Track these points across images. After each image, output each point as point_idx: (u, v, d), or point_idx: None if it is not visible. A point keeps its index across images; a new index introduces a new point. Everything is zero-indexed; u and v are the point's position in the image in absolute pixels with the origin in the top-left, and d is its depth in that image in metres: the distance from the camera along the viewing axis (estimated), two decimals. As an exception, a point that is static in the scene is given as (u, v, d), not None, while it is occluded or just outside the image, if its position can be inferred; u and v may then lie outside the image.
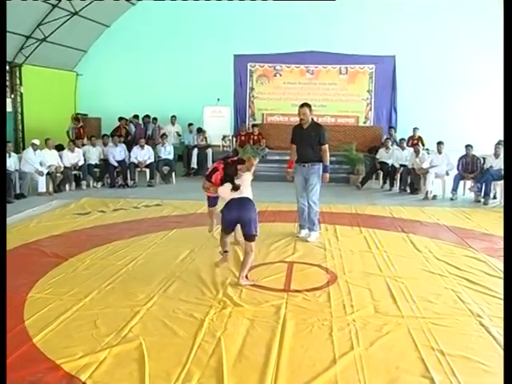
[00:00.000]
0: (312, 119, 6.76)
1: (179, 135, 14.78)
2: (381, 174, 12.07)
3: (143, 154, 12.14)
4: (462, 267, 5.51)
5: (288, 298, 4.51)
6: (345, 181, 12.65)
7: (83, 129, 14.27)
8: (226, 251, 5.18)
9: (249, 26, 15.80)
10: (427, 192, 10.39)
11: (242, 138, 14.29)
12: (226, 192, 5.03)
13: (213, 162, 13.88)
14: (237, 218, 4.91)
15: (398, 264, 5.60)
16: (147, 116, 15.26)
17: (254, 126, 14.81)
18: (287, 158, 7.21)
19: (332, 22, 15.49)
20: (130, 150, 12.33)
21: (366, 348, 3.59)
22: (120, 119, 14.57)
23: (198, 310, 4.21)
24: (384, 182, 12.01)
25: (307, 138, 6.65)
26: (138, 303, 4.32)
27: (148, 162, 12.11)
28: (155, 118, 15.39)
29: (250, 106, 16.17)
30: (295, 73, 15.90)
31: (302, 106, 6.68)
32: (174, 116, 14.82)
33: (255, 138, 14.19)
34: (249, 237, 4.89)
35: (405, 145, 12.14)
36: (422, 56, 15.26)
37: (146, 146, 12.37)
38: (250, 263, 4.97)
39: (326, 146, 6.64)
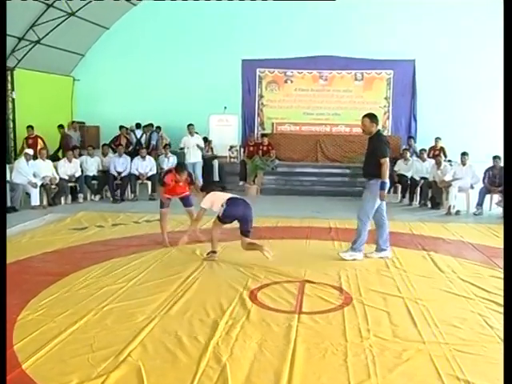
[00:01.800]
0: (378, 130, 6.60)
1: (200, 148, 13.32)
2: (399, 187, 12.05)
3: (145, 166, 12.21)
4: (489, 289, 5.45)
5: (299, 319, 4.48)
6: (360, 194, 12.53)
7: (66, 140, 14.18)
8: (214, 252, 6.38)
9: (257, 29, 15.94)
10: (450, 207, 10.34)
11: (251, 148, 14.33)
12: (217, 198, 6.34)
13: (219, 174, 14.10)
14: (242, 214, 6.22)
15: (419, 285, 5.55)
16: (150, 125, 15.33)
17: (263, 135, 14.86)
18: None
19: (347, 25, 15.61)
20: (130, 161, 12.38)
21: (383, 376, 3.54)
22: (120, 128, 14.67)
23: (202, 332, 4.19)
24: (403, 196, 11.98)
25: (367, 151, 6.62)
26: (138, 325, 4.30)
27: (149, 174, 12.17)
28: (159, 127, 15.44)
29: (258, 115, 16.24)
30: (307, 79, 15.99)
31: (363, 116, 6.59)
32: (191, 124, 13.31)
33: (264, 148, 14.22)
34: (247, 232, 6.31)
35: (425, 156, 12.13)
36: (444, 60, 15.29)
37: (148, 157, 12.45)
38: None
39: (384, 159, 6.35)
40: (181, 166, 7.28)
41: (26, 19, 13.86)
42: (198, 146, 13.11)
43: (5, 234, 5.30)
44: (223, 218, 6.31)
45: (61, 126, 14.97)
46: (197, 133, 13.35)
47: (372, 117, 6.56)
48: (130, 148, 14.36)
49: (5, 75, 6.87)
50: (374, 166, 6.41)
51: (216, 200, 6.37)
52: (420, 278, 5.83)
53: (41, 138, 13.20)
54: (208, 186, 7.02)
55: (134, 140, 15.05)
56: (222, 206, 6.25)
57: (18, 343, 3.94)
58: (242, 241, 6.33)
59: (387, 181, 6.48)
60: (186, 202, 7.40)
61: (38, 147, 12.01)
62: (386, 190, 6.55)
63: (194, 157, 12.99)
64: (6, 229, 7.85)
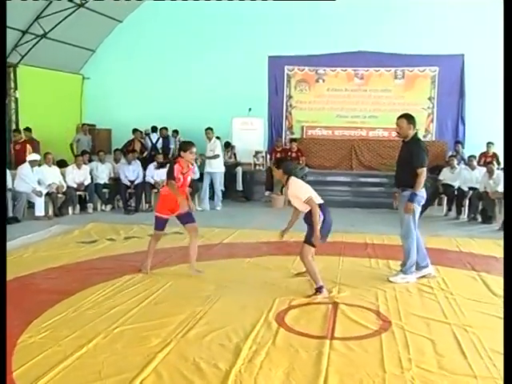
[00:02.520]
0: (416, 134, 6.50)
1: (213, 156, 12.59)
2: (445, 198, 11.91)
3: (161, 173, 12.28)
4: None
5: (331, 346, 4.44)
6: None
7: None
8: (320, 288, 5.79)
9: (285, 22, 15.91)
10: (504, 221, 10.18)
11: (278, 154, 14.34)
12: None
13: (243, 183, 14.11)
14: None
15: (468, 309, 5.46)
16: (165, 128, 15.43)
17: (291, 140, 14.87)
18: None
19: (386, 16, 15.45)
20: (145, 167, 12.48)
21: (427, 412, 3.49)
22: (134, 131, 14.81)
23: (224, 358, 4.18)
24: (449, 209, 11.85)
25: (401, 158, 6.50)
26: (152, 350, 4.31)
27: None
28: (176, 131, 15.55)
29: (286, 118, 16.30)
30: (341, 77, 15.99)
31: (399, 117, 6.50)
32: (209, 128, 12.54)
33: (293, 154, 14.22)
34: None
35: (475, 163, 11.97)
36: (497, 54, 15.02)
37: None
38: None
39: (422, 169, 6.21)
40: (186, 142, 6.65)
41: (31, 10, 13.76)
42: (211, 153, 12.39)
43: (5, 246, 5.37)
44: (321, 234, 5.71)
45: (137, 130, 14.99)
46: (218, 138, 13.34)
47: (409, 118, 6.45)
48: (145, 154, 14.48)
49: (4, 75, 7.00)
50: (410, 174, 6.28)
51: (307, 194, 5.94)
52: (469, 301, 5.73)
53: (32, 143, 12.51)
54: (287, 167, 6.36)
55: (149, 145, 15.18)
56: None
57: (18, 369, 3.94)
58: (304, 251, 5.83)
59: (420, 193, 6.34)
60: (188, 217, 6.57)
61: (27, 153, 11.62)
62: (420, 204, 6.47)
63: (211, 166, 12.42)
64: (7, 241, 7.99)
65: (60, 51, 15.60)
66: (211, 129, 12.42)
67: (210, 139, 12.42)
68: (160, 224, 6.57)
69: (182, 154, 6.38)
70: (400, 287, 6.20)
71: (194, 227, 6.62)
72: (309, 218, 5.76)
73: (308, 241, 5.75)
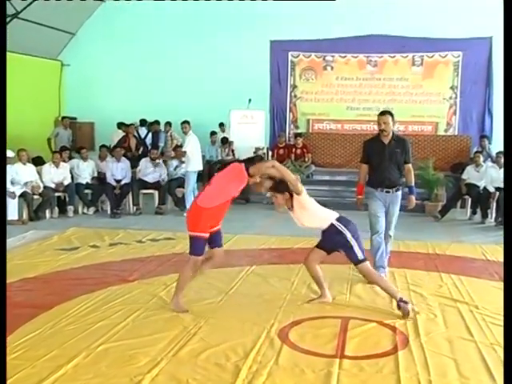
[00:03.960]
0: (393, 131, 7.06)
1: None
2: (469, 200, 11.91)
3: (155, 172, 12.29)
4: None
5: (341, 365, 4.43)
6: (419, 209, 12.48)
7: None
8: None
9: (289, 2, 15.81)
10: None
11: (281, 151, 14.37)
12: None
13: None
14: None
15: (496, 326, 5.43)
16: (156, 122, 15.44)
17: (296, 135, 14.89)
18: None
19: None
20: (133, 166, 12.48)
21: None
22: (120, 126, 14.81)
23: (220, 380, 4.16)
24: (473, 212, 11.84)
25: (392, 156, 6.97)
26: (140, 370, 4.29)
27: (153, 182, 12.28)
28: (169, 123, 15.47)
29: (291, 110, 16.32)
30: (352, 65, 16.00)
31: (384, 113, 7.02)
32: (185, 122, 12.42)
33: (298, 151, 14.25)
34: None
35: (503, 161, 11.97)
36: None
37: (160, 161, 12.54)
38: None
39: (410, 164, 7.17)
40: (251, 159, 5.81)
41: (0, -14, 13.85)
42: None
43: (5, 247, 5.48)
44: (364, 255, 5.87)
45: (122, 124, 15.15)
46: (215, 132, 13.29)
47: (392, 114, 7.05)
48: (141, 150, 14.48)
49: (5, 74, 7.13)
50: (400, 173, 7.10)
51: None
52: (497, 316, 5.70)
53: None
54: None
55: (146, 141, 15.23)
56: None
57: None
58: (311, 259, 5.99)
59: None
60: (218, 238, 5.81)
61: None
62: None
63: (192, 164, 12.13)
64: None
65: (35, 34, 15.51)
66: (188, 122, 12.14)
67: (185, 133, 12.18)
68: (201, 246, 5.57)
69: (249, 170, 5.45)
70: (418, 301, 6.19)
71: (221, 254, 5.90)
72: (332, 233, 5.74)
73: (356, 259, 5.70)
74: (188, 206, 12.04)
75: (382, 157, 6.96)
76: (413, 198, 7.25)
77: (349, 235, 5.68)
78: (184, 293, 5.76)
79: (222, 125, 15.51)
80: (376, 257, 7.02)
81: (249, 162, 5.55)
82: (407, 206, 7.27)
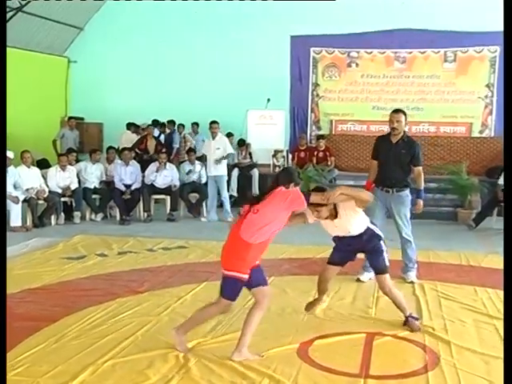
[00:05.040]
0: (405, 131, 7.34)
1: (224, 157, 12.55)
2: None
3: (163, 176, 12.32)
4: None
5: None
6: (451, 217, 12.46)
7: None
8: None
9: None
10: None
11: (302, 154, 14.36)
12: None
13: (260, 187, 14.05)
14: None
15: (535, 343, 5.39)
16: (171, 122, 15.50)
17: (318, 137, 14.87)
18: (364, 183, 7.83)
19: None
20: (144, 169, 12.52)
21: None
22: (130, 126, 14.84)
23: (235, 400, 4.16)
24: None
25: (397, 156, 7.26)
26: (149, 388, 4.30)
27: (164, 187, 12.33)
28: (182, 125, 15.60)
29: (312, 110, 16.30)
30: (379, 61, 15.95)
31: (397, 111, 7.28)
32: (214, 122, 12.38)
33: (320, 154, 14.23)
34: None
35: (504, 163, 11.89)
36: None
37: (169, 165, 12.58)
38: None
39: (421, 168, 7.45)
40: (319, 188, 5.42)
41: (4, -22, 13.91)
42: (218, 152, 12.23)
43: (5, 249, 5.55)
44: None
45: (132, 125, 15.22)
46: (231, 134, 13.34)
47: (405, 113, 7.35)
48: (160, 151, 14.48)
49: (5, 73, 7.23)
50: (407, 174, 7.42)
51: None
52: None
53: None
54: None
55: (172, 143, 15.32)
56: None
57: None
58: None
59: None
60: (261, 274, 5.03)
61: None
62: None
63: (217, 168, 12.20)
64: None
65: (40, 28, 15.61)
66: (217, 122, 12.28)
67: (215, 135, 12.27)
68: (238, 290, 4.88)
69: (290, 186, 4.95)
70: (450, 315, 6.14)
71: (269, 293, 5.12)
72: (368, 236, 5.73)
73: (385, 266, 5.73)
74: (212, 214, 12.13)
75: (387, 156, 7.28)
76: (420, 202, 7.48)
77: (383, 240, 5.79)
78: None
79: (195, 124, 15.62)
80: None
81: (315, 190, 5.30)
82: (415, 211, 7.53)
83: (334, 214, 5.48)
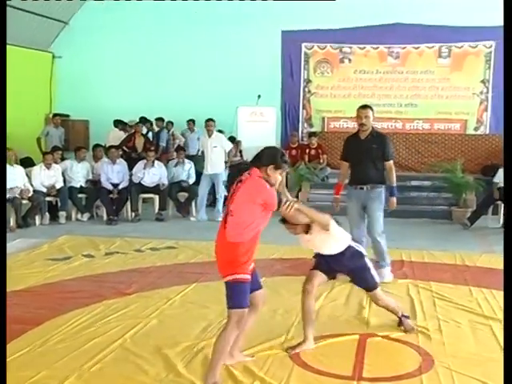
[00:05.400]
0: (373, 127, 7.44)
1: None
2: (501, 206, 11.85)
3: (153, 174, 12.31)
4: None
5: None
6: (445, 216, 12.50)
7: None
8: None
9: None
10: None
11: (293, 152, 14.35)
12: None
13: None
14: None
15: (532, 345, 5.42)
16: (160, 119, 15.49)
17: (310, 135, 14.88)
18: (335, 185, 7.96)
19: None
20: (131, 168, 12.51)
21: None
22: (117, 124, 14.82)
23: (226, 404, 4.17)
24: (507, 219, 11.80)
25: (367, 152, 7.32)
26: (138, 392, 4.31)
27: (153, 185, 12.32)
28: (171, 122, 15.59)
29: (304, 107, 16.32)
30: (372, 57, 15.99)
31: (365, 107, 7.39)
32: (210, 120, 12.55)
33: (312, 152, 14.24)
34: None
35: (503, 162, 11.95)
36: None
37: (157, 163, 12.57)
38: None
39: (392, 162, 7.50)
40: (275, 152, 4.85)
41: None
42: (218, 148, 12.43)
43: (5, 248, 5.59)
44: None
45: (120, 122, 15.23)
46: (221, 131, 13.36)
47: (372, 109, 7.48)
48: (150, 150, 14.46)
49: (5, 72, 7.27)
50: (380, 169, 7.40)
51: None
52: (533, 334, 5.68)
53: None
54: None
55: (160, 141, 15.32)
56: None
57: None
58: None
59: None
60: (257, 277, 4.88)
61: None
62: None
63: (213, 166, 12.39)
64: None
65: (23, 22, 15.48)
66: (213, 120, 12.42)
67: (211, 133, 12.40)
68: (246, 293, 4.54)
69: (267, 169, 4.61)
70: (445, 316, 6.16)
71: (265, 296, 5.03)
72: (350, 256, 5.37)
73: (374, 283, 5.49)
74: (201, 213, 12.16)
75: (358, 153, 7.33)
76: (394, 200, 7.55)
77: (367, 256, 5.55)
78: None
79: (191, 121, 15.64)
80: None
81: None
82: (388, 208, 7.58)
83: (306, 229, 5.09)
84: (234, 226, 4.50)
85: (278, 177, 4.63)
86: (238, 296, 4.48)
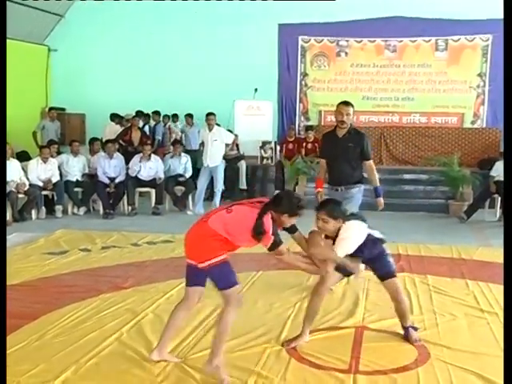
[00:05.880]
0: (351, 124, 7.14)
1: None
2: (498, 199, 11.87)
3: (148, 168, 12.31)
4: None
5: (355, 381, 4.43)
6: (442, 210, 12.51)
7: None
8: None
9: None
10: None
11: (290, 146, 14.36)
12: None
13: (247, 180, 14.08)
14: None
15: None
16: (156, 113, 15.48)
17: (307, 128, 14.87)
18: (316, 181, 7.65)
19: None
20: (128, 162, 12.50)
21: None
22: (114, 117, 14.81)
23: (222, 398, 4.18)
24: (503, 212, 11.80)
25: (344, 150, 7.05)
26: (134, 386, 4.31)
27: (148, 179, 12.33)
28: (167, 116, 15.59)
29: (301, 100, 16.32)
30: (369, 50, 15.99)
31: (347, 104, 7.06)
32: (210, 114, 12.51)
33: (309, 146, 14.23)
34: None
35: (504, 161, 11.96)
36: None
37: (154, 156, 12.55)
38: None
39: (372, 161, 7.25)
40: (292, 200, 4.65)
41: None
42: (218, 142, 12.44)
43: (5, 246, 5.64)
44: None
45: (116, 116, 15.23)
46: (218, 125, 13.37)
47: (353, 106, 7.13)
48: (147, 143, 14.45)
49: (5, 70, 7.26)
50: (359, 169, 7.17)
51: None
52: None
53: None
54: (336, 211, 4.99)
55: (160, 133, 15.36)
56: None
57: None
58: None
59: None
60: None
61: None
62: None
63: (212, 158, 12.38)
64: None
65: (19, 16, 15.43)
66: (214, 114, 12.40)
67: (212, 127, 12.39)
68: (230, 270, 4.60)
69: (282, 216, 4.55)
70: (441, 309, 6.17)
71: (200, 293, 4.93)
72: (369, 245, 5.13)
73: (392, 270, 5.30)
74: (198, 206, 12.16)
75: (334, 151, 7.09)
76: (380, 200, 7.34)
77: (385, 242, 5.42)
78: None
79: (189, 116, 15.64)
80: None
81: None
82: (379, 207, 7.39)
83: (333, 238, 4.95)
84: (222, 219, 4.49)
85: (291, 221, 4.67)
86: (225, 275, 4.52)
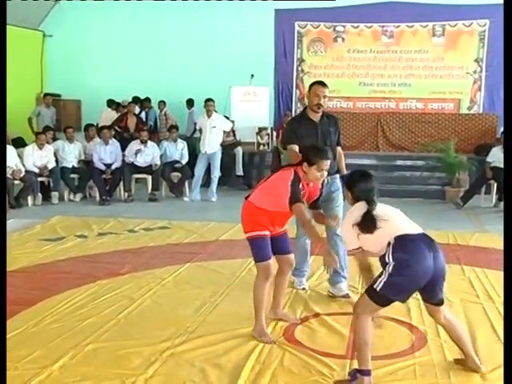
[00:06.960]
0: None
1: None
2: (494, 185, 11.88)
3: (145, 154, 12.30)
4: None
5: (352, 367, 4.42)
6: (438, 196, 12.53)
7: None
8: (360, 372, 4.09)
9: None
10: None
11: (286, 131, 14.29)
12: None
13: (244, 166, 14.09)
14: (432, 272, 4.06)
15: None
16: (147, 99, 15.46)
17: (303, 114, 14.80)
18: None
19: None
20: (124, 148, 12.49)
21: None
22: (110, 103, 14.78)
23: (220, 381, 4.18)
24: (499, 198, 11.80)
25: (326, 136, 6.29)
26: (133, 372, 4.32)
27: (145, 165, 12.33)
28: (163, 102, 15.54)
29: (297, 86, 16.28)
30: (365, 36, 15.94)
31: (324, 85, 6.29)
32: (209, 100, 12.50)
33: (305, 131, 14.18)
34: (439, 302, 4.37)
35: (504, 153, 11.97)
36: None
37: (150, 143, 12.54)
38: None
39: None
40: (314, 149, 5.03)
41: None
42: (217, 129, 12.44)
43: (5, 241, 5.66)
44: (394, 295, 4.16)
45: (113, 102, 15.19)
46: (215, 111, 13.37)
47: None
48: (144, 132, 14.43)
49: (5, 66, 7.26)
50: (335, 157, 6.16)
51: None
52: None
53: None
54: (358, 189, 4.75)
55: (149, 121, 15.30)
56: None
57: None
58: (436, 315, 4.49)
59: None
60: (284, 243, 5.24)
61: None
62: None
63: (211, 145, 12.37)
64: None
65: (14, 1, 15.30)
66: (213, 100, 12.39)
67: (210, 113, 12.36)
68: (264, 247, 5.01)
69: (303, 167, 4.85)
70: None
71: (289, 261, 5.34)
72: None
73: (370, 290, 4.14)
74: (195, 193, 12.18)
75: (315, 138, 6.16)
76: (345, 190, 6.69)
77: None
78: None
79: (190, 102, 15.62)
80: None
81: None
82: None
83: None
84: (260, 189, 5.08)
85: (315, 172, 4.85)
86: (257, 251, 5.00)
